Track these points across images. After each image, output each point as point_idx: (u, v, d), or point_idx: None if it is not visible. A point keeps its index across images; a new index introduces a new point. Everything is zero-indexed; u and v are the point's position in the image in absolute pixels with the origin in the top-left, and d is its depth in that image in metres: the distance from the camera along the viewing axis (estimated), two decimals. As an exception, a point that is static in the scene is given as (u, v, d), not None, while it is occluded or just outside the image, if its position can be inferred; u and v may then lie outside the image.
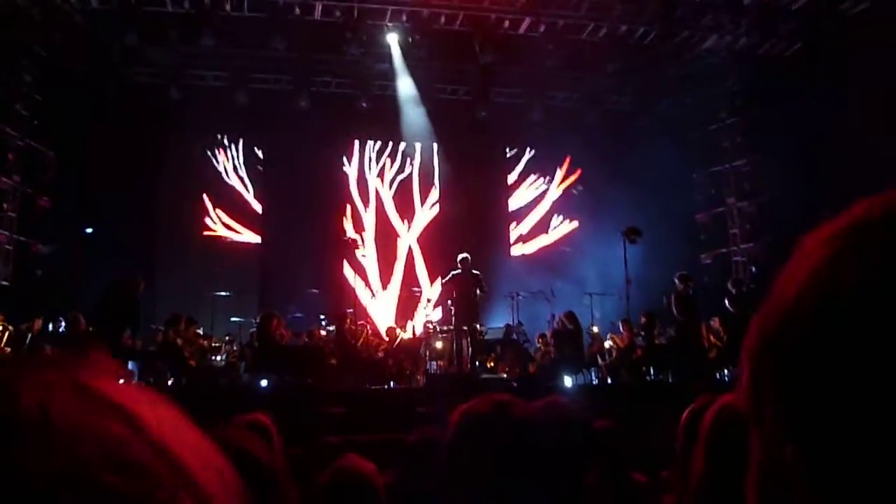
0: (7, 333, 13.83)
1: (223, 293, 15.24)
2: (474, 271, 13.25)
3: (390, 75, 18.54)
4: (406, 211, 20.24)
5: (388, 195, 20.24)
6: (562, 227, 20.83)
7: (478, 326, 13.77)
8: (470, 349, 13.31)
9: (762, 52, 17.56)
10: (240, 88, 18.03)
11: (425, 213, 20.28)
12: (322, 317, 15.54)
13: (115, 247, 15.72)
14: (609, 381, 14.39)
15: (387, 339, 15.41)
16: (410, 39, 17.35)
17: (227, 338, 15.11)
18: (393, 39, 17.68)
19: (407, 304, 18.63)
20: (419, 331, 15.78)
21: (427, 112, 19.13)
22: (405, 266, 19.74)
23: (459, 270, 13.22)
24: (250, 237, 19.11)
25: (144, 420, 0.52)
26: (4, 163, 16.26)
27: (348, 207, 19.83)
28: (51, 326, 14.66)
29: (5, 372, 0.52)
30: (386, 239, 19.93)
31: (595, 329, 15.76)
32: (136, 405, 0.52)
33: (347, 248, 17.01)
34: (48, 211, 17.22)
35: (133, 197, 16.94)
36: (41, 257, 16.83)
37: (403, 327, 15.63)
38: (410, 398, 11.32)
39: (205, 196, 18.92)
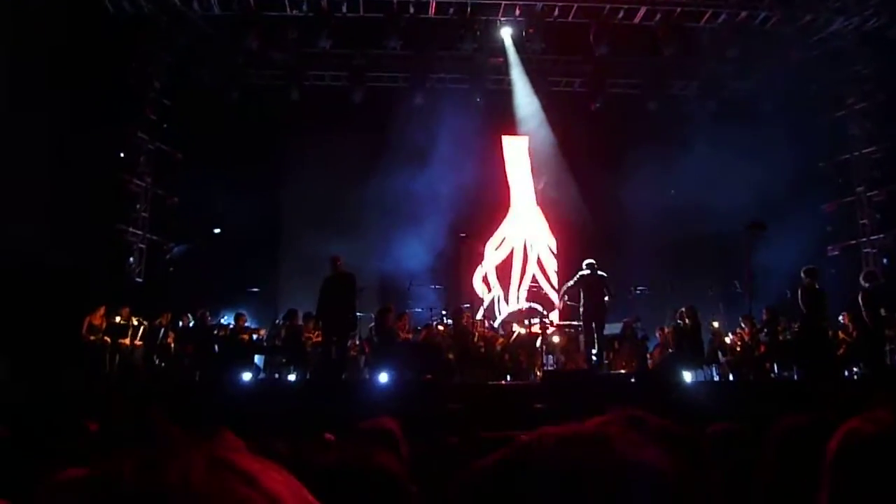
0: (142, 328, 14.54)
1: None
2: (600, 273, 13.16)
3: (504, 69, 18.54)
4: (523, 205, 20.12)
5: (508, 189, 20.17)
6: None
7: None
8: (596, 346, 13.21)
9: (892, 34, 16.74)
10: (356, 87, 18.34)
11: (542, 207, 20.11)
12: (443, 311, 15.67)
13: (241, 245, 16.23)
14: (731, 377, 14.06)
15: (503, 333, 15.44)
16: (524, 33, 17.32)
17: (348, 332, 15.36)
18: (506, 34, 17.69)
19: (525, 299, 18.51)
20: (535, 326, 15.68)
21: (541, 105, 19.01)
22: (523, 260, 19.65)
23: (588, 272, 13.15)
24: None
25: (264, 482, 0.68)
26: (136, 165, 17.02)
27: (466, 203, 19.86)
28: (181, 322, 15.34)
29: (156, 452, 0.69)
30: (504, 233, 19.88)
31: (716, 324, 15.40)
32: (258, 471, 0.69)
33: (465, 245, 17.07)
34: (177, 210, 17.91)
35: (256, 195, 17.40)
36: (173, 255, 17.54)
37: (520, 322, 15.56)
38: (529, 394, 11.28)
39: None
